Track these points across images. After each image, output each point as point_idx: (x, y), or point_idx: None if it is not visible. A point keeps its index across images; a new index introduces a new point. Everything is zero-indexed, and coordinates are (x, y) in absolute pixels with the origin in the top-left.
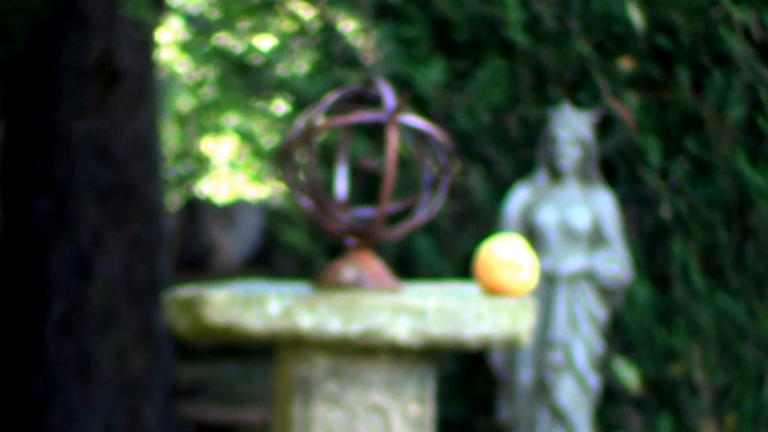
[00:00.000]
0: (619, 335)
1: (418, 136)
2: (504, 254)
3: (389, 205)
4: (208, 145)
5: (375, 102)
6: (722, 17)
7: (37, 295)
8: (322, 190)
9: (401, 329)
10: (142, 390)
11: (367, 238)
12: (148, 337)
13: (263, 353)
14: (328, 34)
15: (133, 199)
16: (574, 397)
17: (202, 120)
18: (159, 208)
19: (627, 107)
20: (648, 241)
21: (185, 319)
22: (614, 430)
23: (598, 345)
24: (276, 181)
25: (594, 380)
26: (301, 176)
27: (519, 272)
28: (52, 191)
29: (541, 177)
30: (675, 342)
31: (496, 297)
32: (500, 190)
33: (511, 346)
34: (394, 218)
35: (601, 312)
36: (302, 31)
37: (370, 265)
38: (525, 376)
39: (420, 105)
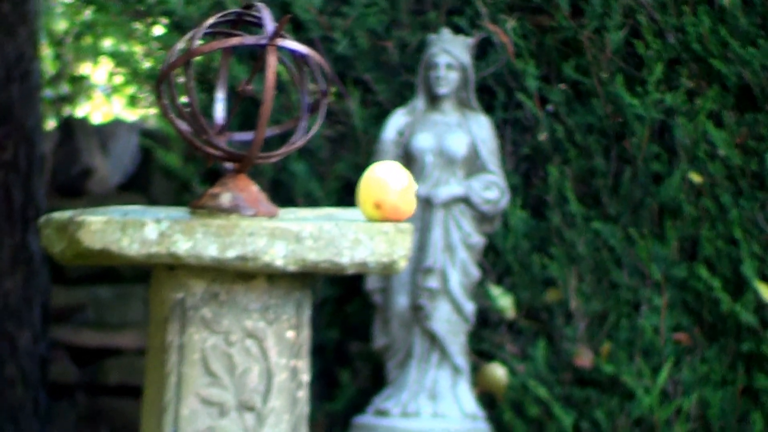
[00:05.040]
0: (495, 262)
1: (297, 60)
2: (385, 178)
3: (267, 129)
4: (84, 68)
5: (254, 26)
6: None
7: None
8: (199, 114)
9: (278, 254)
10: (16, 314)
11: (244, 162)
12: (23, 261)
13: (140, 278)
14: None
15: (10, 121)
16: (450, 323)
17: (80, 42)
18: (36, 131)
19: (506, 32)
20: (525, 167)
21: (62, 243)
22: (489, 356)
23: (474, 271)
24: (154, 105)
25: (469, 306)
26: (179, 100)
27: (399, 196)
28: None
29: (419, 102)
30: (551, 269)
31: (376, 222)
32: (378, 115)
33: (387, 272)
34: (272, 143)
35: (477, 238)
36: None
37: (248, 190)
38: (400, 301)
39: (299, 29)
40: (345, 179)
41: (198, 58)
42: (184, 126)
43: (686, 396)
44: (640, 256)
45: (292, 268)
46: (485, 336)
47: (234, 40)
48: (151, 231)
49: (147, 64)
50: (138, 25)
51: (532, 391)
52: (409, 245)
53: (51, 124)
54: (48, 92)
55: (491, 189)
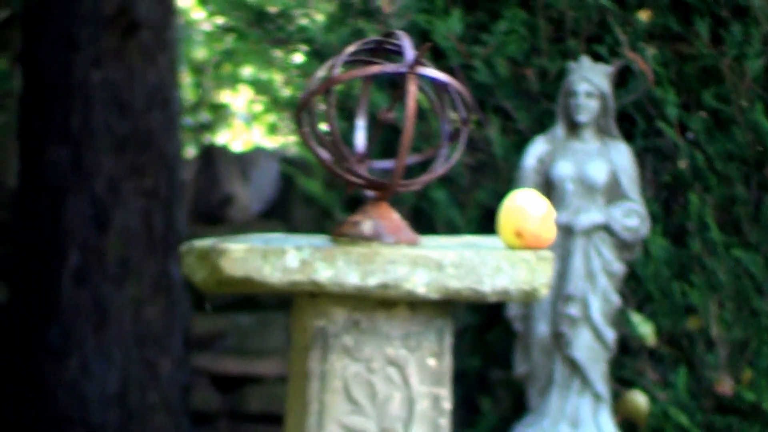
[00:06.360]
0: (636, 289)
1: (438, 88)
2: (525, 206)
3: (408, 157)
4: (224, 95)
5: (394, 54)
6: None
7: (53, 246)
8: (341, 142)
9: (419, 282)
10: (158, 341)
11: (385, 190)
12: (164, 288)
13: (280, 305)
14: None
15: (151, 149)
16: (591, 350)
17: (220, 70)
18: (176, 158)
19: (646, 60)
20: (665, 194)
21: (203, 271)
22: (630, 383)
23: (614, 299)
24: (294, 132)
25: (610, 334)
26: (320, 128)
27: (539, 224)
28: (68, 141)
29: (559, 130)
30: (692, 296)
31: (517, 249)
32: (518, 142)
33: (528, 300)
34: (413, 170)
35: (617, 266)
36: None
37: (389, 218)
38: (541, 329)
39: (439, 57)
40: (485, 207)
41: (338, 86)
42: (324, 154)
43: None
44: None
45: (433, 295)
46: (626, 363)
47: (374, 69)
48: (292, 259)
49: (287, 92)
50: (278, 53)
51: (673, 419)
52: (550, 273)
53: (191, 151)
54: (188, 120)
55: (632, 217)
